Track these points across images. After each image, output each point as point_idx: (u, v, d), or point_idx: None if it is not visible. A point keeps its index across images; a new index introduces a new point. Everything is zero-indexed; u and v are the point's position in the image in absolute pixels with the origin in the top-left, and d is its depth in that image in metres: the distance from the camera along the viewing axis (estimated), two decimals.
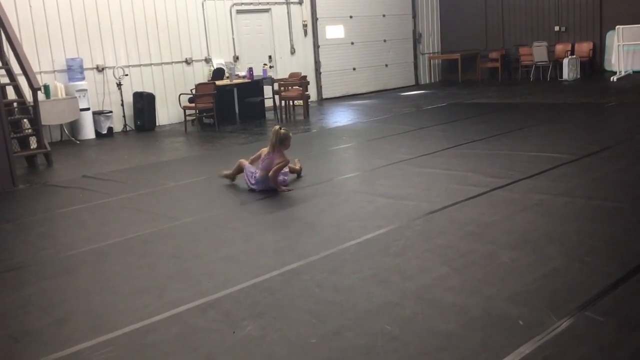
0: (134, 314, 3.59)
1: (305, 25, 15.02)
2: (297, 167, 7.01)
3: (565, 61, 15.35)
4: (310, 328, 3.28)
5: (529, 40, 16.44)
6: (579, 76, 15.39)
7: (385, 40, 16.82)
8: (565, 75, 15.33)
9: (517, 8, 16.86)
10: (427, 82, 18.14)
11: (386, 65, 16.97)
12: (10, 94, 9.20)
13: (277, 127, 6.50)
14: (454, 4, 17.92)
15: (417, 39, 17.75)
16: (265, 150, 6.51)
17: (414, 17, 17.58)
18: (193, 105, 11.72)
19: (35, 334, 3.47)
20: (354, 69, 16.20)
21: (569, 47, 15.95)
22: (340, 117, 12.21)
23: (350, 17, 15.87)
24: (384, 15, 16.64)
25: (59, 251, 4.91)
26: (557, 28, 16.32)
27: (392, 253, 4.30)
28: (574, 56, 15.56)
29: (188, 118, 11.91)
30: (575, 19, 16.00)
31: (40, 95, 9.26)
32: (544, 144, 7.70)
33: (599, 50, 15.76)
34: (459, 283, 3.71)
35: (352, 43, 16.04)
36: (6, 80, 8.92)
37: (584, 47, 15.85)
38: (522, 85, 15.49)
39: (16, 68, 9.08)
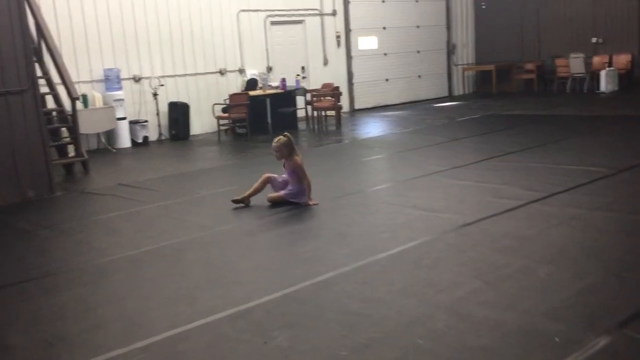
0: (167, 322, 3.62)
1: (338, 37, 15.07)
2: None
3: (603, 73, 15.06)
4: (340, 340, 3.26)
5: (565, 51, 16.18)
6: (617, 88, 15.07)
7: (418, 52, 16.76)
8: (602, 88, 15.03)
9: (554, 19, 16.64)
10: (461, 93, 18.00)
11: (419, 76, 16.90)
12: (50, 103, 9.42)
13: (280, 139, 6.34)
14: (489, 14, 17.78)
15: (450, 50, 17.65)
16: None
17: (448, 28, 17.49)
18: (226, 115, 11.84)
19: (70, 339, 3.52)
20: (387, 80, 16.17)
21: (607, 59, 15.65)
22: (372, 128, 12.18)
23: (384, 28, 15.87)
24: (417, 27, 16.60)
25: (94, 258, 4.99)
26: (594, 40, 16.05)
27: (424, 266, 4.25)
28: (612, 68, 15.26)
29: (221, 128, 12.03)
30: (613, 30, 15.71)
31: (79, 105, 9.47)
32: (581, 157, 7.55)
33: (638, 62, 15.42)
34: (493, 297, 3.65)
35: (385, 54, 16.02)
36: (46, 89, 9.14)
37: (622, 59, 15.53)
38: (558, 97, 15.25)
39: (56, 78, 9.31)
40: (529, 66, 17.00)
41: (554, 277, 3.90)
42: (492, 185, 6.38)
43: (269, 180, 6.40)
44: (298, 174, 6.21)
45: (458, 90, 18.04)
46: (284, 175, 6.37)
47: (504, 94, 16.65)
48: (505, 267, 4.11)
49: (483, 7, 17.88)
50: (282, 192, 6.25)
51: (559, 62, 16.28)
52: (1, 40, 7.16)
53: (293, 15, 14.14)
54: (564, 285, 3.75)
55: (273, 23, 13.80)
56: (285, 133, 6.44)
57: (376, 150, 9.41)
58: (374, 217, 5.68)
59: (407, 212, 5.65)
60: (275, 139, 6.33)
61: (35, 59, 8.12)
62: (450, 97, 17.54)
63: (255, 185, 6.36)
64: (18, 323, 3.78)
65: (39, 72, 8.35)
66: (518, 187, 6.22)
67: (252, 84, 12.86)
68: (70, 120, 9.15)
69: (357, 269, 4.26)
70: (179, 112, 12.20)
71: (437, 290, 3.81)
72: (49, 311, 3.94)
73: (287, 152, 6.29)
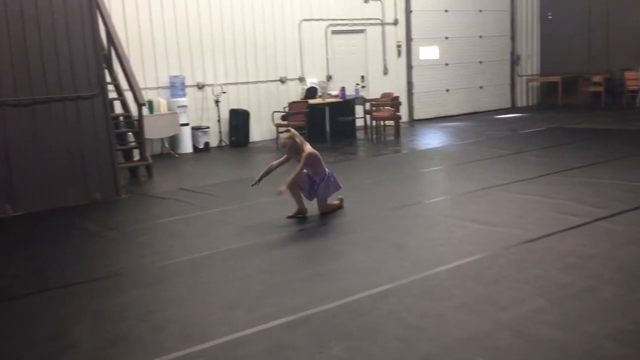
0: (226, 326, 3.66)
1: (399, 46, 15.01)
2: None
3: None
4: (398, 353, 3.22)
5: (635, 63, 15.57)
6: None
7: (481, 62, 16.49)
8: None
9: (624, 30, 16.04)
10: (524, 105, 17.58)
11: (481, 87, 16.62)
12: (118, 108, 9.75)
13: (284, 135, 6.18)
14: (556, 24, 17.32)
15: (514, 61, 17.28)
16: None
17: (512, 38, 17.15)
18: (285, 122, 11.96)
19: (132, 339, 3.62)
20: (447, 90, 15.98)
21: None
22: (432, 139, 12.05)
23: (446, 38, 15.70)
24: (480, 37, 16.34)
25: (156, 260, 5.12)
26: None
27: (484, 281, 4.16)
28: None
29: (280, 135, 12.14)
30: None
31: (145, 110, 9.76)
32: None
33: None
34: (557, 317, 3.53)
35: (447, 64, 15.84)
36: (114, 95, 9.47)
37: None
38: (627, 111, 14.68)
39: (124, 84, 9.63)
40: (597, 78, 16.44)
41: (621, 298, 3.75)
42: (556, 201, 6.19)
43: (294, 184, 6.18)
44: (314, 165, 6.09)
45: (521, 101, 17.63)
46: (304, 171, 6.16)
47: (569, 107, 16.16)
48: (569, 287, 3.97)
49: (549, 17, 17.44)
50: (318, 194, 6.17)
51: (628, 74, 15.68)
52: (73, 47, 7.47)
53: (355, 24, 14.18)
54: (631, 308, 3.59)
55: (334, 32, 13.87)
56: (288, 128, 6.26)
57: (435, 162, 9.29)
58: (432, 229, 5.61)
59: (467, 225, 5.54)
60: (285, 134, 6.18)
61: (105, 65, 8.43)
62: (513, 108, 17.16)
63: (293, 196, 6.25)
64: (83, 321, 3.91)
65: (108, 78, 8.66)
66: (584, 203, 6.01)
67: (311, 92, 12.95)
68: (136, 125, 9.44)
69: (415, 282, 4.21)
70: (239, 119, 12.40)
71: (498, 307, 3.71)
72: (112, 311, 4.06)
73: (294, 149, 6.09)
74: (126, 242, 5.80)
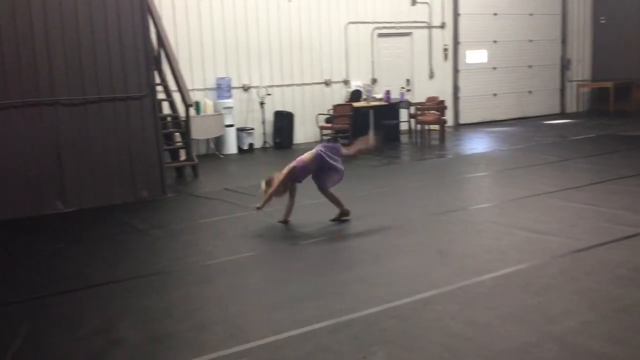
0: (268, 327, 3.67)
1: (446, 50, 14.83)
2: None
3: None
4: None
5: None
6: None
7: (530, 66, 16.15)
8: None
9: None
10: (574, 110, 17.13)
11: (530, 92, 16.28)
12: (166, 108, 9.93)
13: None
14: (609, 28, 16.83)
15: (565, 66, 16.87)
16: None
17: (563, 42, 16.74)
18: (329, 125, 11.97)
19: (177, 336, 3.66)
20: (495, 94, 15.70)
21: None
22: (478, 144, 11.86)
23: (494, 41, 15.44)
24: (530, 41, 16.01)
25: (200, 259, 5.18)
26: None
27: (532, 291, 4.05)
28: None
29: (324, 137, 12.15)
30: None
31: (192, 111, 9.91)
32: None
33: None
34: (608, 331, 3.41)
35: (494, 68, 15.57)
36: (163, 96, 9.64)
37: None
38: None
39: (172, 85, 9.79)
40: None
41: None
42: (607, 210, 6.00)
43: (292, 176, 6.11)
44: (302, 173, 6.07)
45: (571, 107, 17.18)
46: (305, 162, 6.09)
47: (622, 113, 15.67)
48: (621, 299, 3.84)
49: (602, 21, 16.95)
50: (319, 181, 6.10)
51: None
52: (125, 49, 7.64)
53: (401, 27, 14.08)
54: None
55: (380, 35, 13.81)
56: (264, 181, 6.17)
57: (481, 167, 9.13)
58: (478, 236, 5.50)
59: (514, 233, 5.42)
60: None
61: (154, 66, 8.58)
62: (563, 114, 16.74)
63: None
64: (129, 318, 3.97)
65: (157, 80, 8.82)
66: (636, 213, 5.82)
67: (356, 95, 12.93)
68: (183, 126, 9.59)
69: (460, 289, 4.13)
70: (283, 121, 12.47)
71: (546, 318, 3.61)
72: (157, 308, 4.12)
73: (281, 188, 6.04)
74: (172, 240, 5.89)
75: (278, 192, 6.05)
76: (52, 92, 7.23)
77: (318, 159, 6.05)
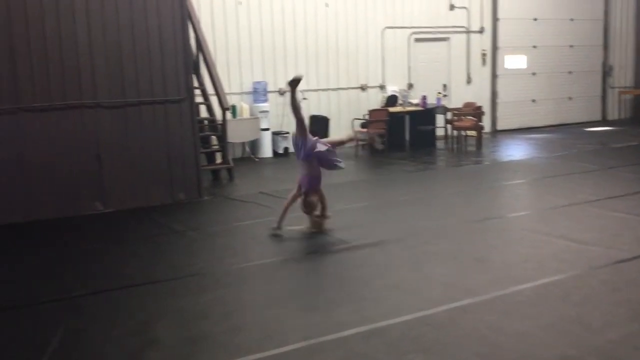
0: (302, 332, 3.67)
1: (484, 55, 14.65)
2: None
3: None
4: None
5: None
6: None
7: (570, 72, 15.83)
8: None
9: None
10: (616, 118, 16.72)
11: (570, 98, 15.95)
12: (203, 112, 10.03)
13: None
14: None
15: (607, 72, 16.49)
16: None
17: (605, 48, 16.36)
18: (365, 130, 11.92)
19: (212, 338, 3.68)
20: (534, 100, 15.44)
21: None
22: (515, 151, 11.67)
23: (534, 47, 15.18)
24: (571, 46, 15.70)
25: (236, 262, 5.21)
26: None
27: (572, 302, 3.96)
28: None
29: (359, 142, 12.12)
30: None
31: (228, 115, 9.99)
32: None
33: None
34: None
35: (534, 74, 15.31)
36: (201, 99, 9.74)
37: None
38: None
39: (210, 89, 9.90)
40: None
41: None
42: None
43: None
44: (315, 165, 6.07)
45: (613, 114, 16.78)
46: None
47: None
48: None
49: None
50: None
51: None
52: (165, 53, 7.76)
53: (439, 32, 13.97)
54: None
55: (417, 40, 13.72)
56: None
57: (519, 175, 8.98)
58: (516, 244, 5.40)
59: (554, 242, 5.31)
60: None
61: (193, 70, 8.69)
62: (604, 121, 16.36)
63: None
64: (165, 319, 4.02)
65: (195, 83, 8.93)
66: None
67: (392, 100, 12.86)
68: (219, 129, 9.69)
69: (498, 298, 4.06)
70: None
71: (587, 330, 3.52)
72: (193, 310, 4.15)
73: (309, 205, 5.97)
74: (208, 242, 5.94)
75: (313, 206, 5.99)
76: (93, 95, 7.39)
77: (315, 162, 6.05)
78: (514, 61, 15.06)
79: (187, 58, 8.01)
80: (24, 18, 6.98)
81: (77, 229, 6.76)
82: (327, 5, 12.59)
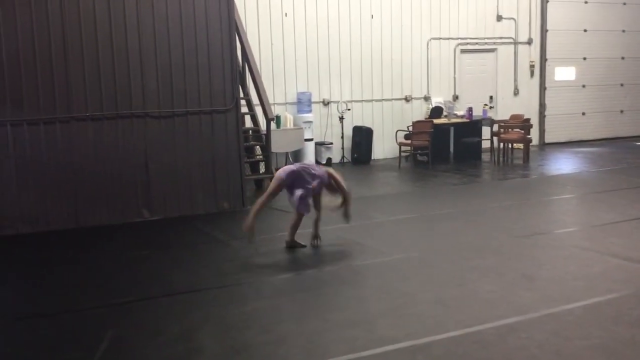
0: (344, 345, 3.63)
1: (532, 66, 14.40)
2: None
3: None
4: None
5: None
6: None
7: (622, 85, 15.41)
8: None
9: None
10: None
11: (621, 112, 15.51)
12: (247, 122, 10.13)
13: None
14: None
15: None
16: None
17: None
18: (409, 141, 11.84)
19: (254, 349, 3.68)
20: (583, 113, 15.07)
21: None
22: (564, 164, 11.39)
23: (584, 58, 14.85)
24: (622, 58, 15.29)
25: (278, 273, 5.22)
26: None
27: (625, 322, 3.82)
28: None
29: (402, 154, 12.05)
30: None
31: (272, 125, 10.07)
32: None
33: None
34: None
35: (584, 86, 14.96)
36: (246, 109, 9.85)
37: None
38: None
39: (255, 99, 10.00)
40: None
41: None
42: None
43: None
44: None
45: None
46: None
47: None
48: None
49: None
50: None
51: None
52: (213, 65, 7.88)
53: (485, 43, 13.81)
54: None
55: (463, 51, 13.59)
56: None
57: (567, 189, 8.76)
58: (565, 261, 5.25)
59: (605, 260, 5.14)
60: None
61: (239, 81, 8.79)
62: None
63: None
64: (209, 327, 4.04)
65: (241, 94, 9.03)
66: None
67: (436, 111, 12.75)
68: (263, 139, 9.76)
69: (547, 317, 3.95)
70: (362, 136, 12.45)
71: None
72: (236, 319, 4.17)
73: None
74: (251, 252, 5.96)
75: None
76: (143, 105, 7.55)
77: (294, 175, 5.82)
78: (563, 73, 14.75)
79: (233, 70, 8.12)
80: (78, 32, 7.20)
81: (125, 236, 6.90)
82: (372, 16, 12.60)
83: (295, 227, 5.96)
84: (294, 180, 5.79)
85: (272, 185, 5.89)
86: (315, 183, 5.77)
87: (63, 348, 3.84)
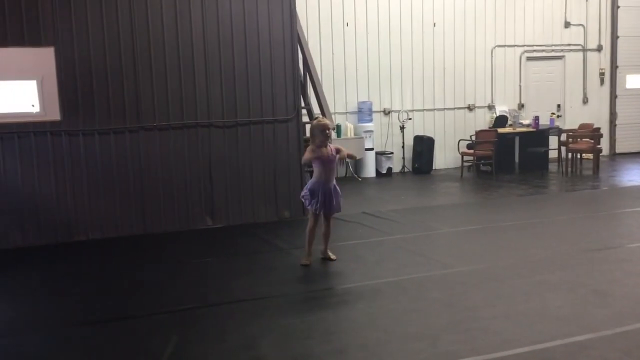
0: (407, 358, 3.57)
1: (602, 74, 13.90)
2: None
3: None
4: None
5: None
6: None
7: None
8: None
9: None
10: None
11: None
12: (308, 131, 10.17)
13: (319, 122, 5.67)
14: None
15: None
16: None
17: None
18: (471, 151, 11.63)
19: (315, 359, 3.67)
20: None
21: None
22: (637, 175, 10.90)
23: None
24: None
25: (339, 282, 5.20)
26: None
27: None
28: None
29: (465, 164, 11.84)
30: None
31: (333, 134, 10.09)
32: None
33: None
34: None
35: None
36: (306, 119, 9.91)
37: None
38: None
39: (315, 108, 10.05)
40: None
41: None
42: None
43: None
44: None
45: None
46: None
47: None
48: None
49: None
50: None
51: None
52: (275, 76, 7.99)
53: (553, 50, 13.43)
54: None
55: (529, 59, 13.26)
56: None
57: None
58: (638, 278, 5.00)
59: None
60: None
61: (300, 90, 8.87)
62: None
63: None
64: (270, 336, 4.06)
65: (302, 103, 9.09)
66: None
67: (501, 120, 12.48)
68: None
69: (619, 335, 3.76)
70: (423, 146, 12.32)
71: None
72: (298, 328, 4.17)
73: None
74: (312, 260, 5.96)
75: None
76: (207, 115, 7.72)
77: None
78: (635, 81, 14.16)
79: (295, 80, 8.20)
80: (146, 44, 7.44)
81: (189, 243, 7.05)
82: (435, 24, 12.47)
83: (326, 235, 5.92)
84: (324, 195, 5.72)
85: (311, 219, 5.85)
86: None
87: (130, 351, 3.94)
